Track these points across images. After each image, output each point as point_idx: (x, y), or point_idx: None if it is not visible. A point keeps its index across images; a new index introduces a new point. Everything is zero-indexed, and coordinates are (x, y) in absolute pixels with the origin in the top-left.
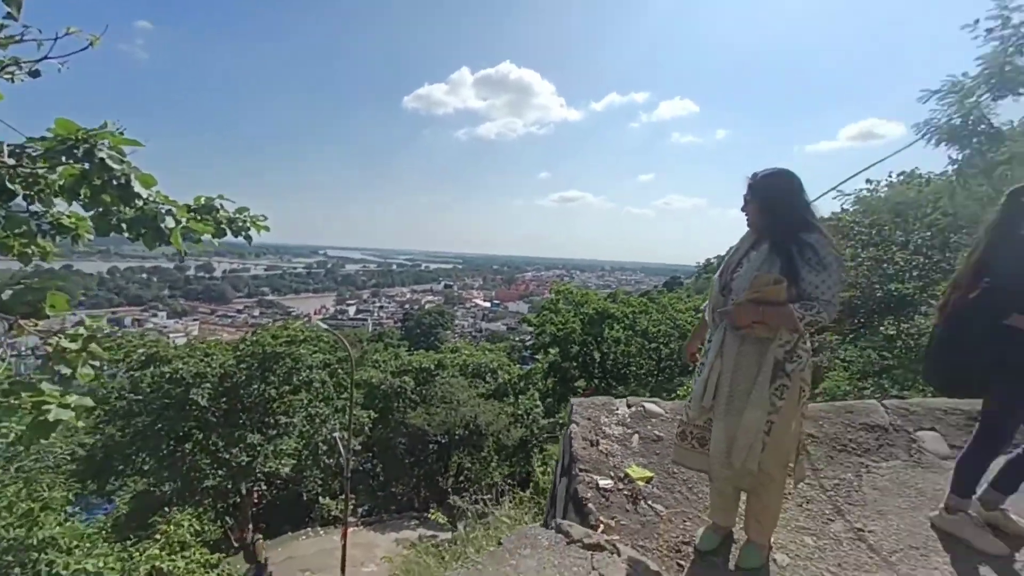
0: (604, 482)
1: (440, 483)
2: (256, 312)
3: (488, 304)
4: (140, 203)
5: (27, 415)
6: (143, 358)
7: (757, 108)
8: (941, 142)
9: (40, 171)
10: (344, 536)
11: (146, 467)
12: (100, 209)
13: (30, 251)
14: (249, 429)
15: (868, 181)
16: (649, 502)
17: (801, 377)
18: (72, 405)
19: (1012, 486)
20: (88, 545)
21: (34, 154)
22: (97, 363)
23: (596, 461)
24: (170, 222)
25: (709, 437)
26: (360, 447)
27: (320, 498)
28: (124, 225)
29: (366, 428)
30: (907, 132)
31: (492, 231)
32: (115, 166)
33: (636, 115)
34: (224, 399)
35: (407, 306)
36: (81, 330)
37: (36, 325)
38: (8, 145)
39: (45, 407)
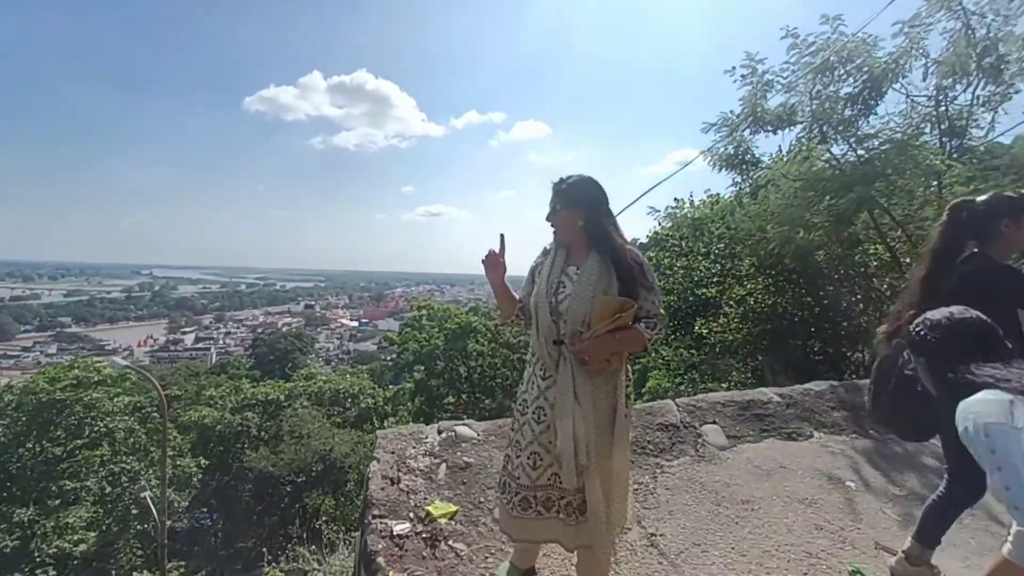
0: (400, 527)
1: (291, 530)
2: (52, 349)
3: (356, 323)
4: None
5: None
6: None
7: (602, 133)
8: (722, 168)
9: None
10: None
11: None
12: None
13: None
14: (18, 503)
15: (676, 200)
16: (450, 542)
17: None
18: None
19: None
20: None
21: None
22: None
23: (394, 503)
24: None
25: (559, 498)
26: (189, 503)
27: (136, 572)
28: None
29: (194, 480)
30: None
31: (357, 246)
32: None
33: (494, 134)
34: None
35: (260, 330)
36: None
37: None
38: None
39: None
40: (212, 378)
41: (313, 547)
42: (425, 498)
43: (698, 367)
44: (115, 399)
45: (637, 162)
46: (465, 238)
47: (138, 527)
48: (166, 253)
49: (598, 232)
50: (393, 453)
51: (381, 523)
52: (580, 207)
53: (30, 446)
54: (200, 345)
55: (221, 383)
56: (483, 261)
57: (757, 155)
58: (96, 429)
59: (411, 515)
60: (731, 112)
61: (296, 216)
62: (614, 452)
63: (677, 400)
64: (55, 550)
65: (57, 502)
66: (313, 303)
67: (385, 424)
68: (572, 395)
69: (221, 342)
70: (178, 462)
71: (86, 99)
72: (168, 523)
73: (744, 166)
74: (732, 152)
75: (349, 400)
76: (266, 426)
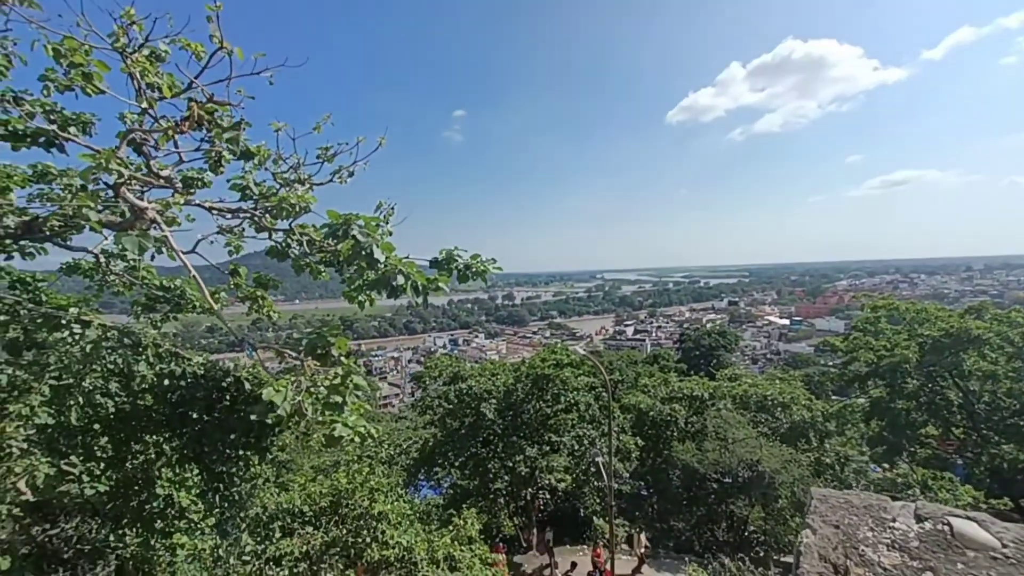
0: None
1: (717, 532)
2: (547, 333)
3: (786, 321)
4: (381, 267)
5: (324, 429)
6: (451, 375)
7: None
8: None
9: (337, 247)
10: (599, 558)
11: (457, 464)
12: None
13: (362, 299)
14: (528, 443)
15: None
16: None
17: None
18: (351, 425)
19: None
20: (407, 523)
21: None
22: (360, 393)
23: None
24: (400, 280)
25: None
26: (628, 474)
27: (596, 518)
28: (367, 284)
29: (633, 455)
30: None
31: (784, 236)
32: (362, 239)
33: (1009, 46)
34: (510, 413)
35: (685, 325)
36: (339, 370)
37: (316, 364)
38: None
39: (333, 425)
40: (646, 367)
41: (741, 555)
42: None
43: None
44: (578, 378)
45: None
46: (953, 208)
47: (594, 483)
48: (611, 260)
49: None
50: (838, 528)
51: None
52: None
53: (533, 403)
54: (637, 336)
55: (653, 373)
56: None
57: None
58: (568, 399)
59: None
60: None
61: (716, 213)
62: None
63: None
64: (548, 481)
65: (548, 448)
66: (737, 299)
67: (825, 444)
68: None
69: (654, 335)
70: (621, 437)
71: (547, 151)
72: (615, 485)
73: None
74: None
75: (779, 409)
76: (691, 420)
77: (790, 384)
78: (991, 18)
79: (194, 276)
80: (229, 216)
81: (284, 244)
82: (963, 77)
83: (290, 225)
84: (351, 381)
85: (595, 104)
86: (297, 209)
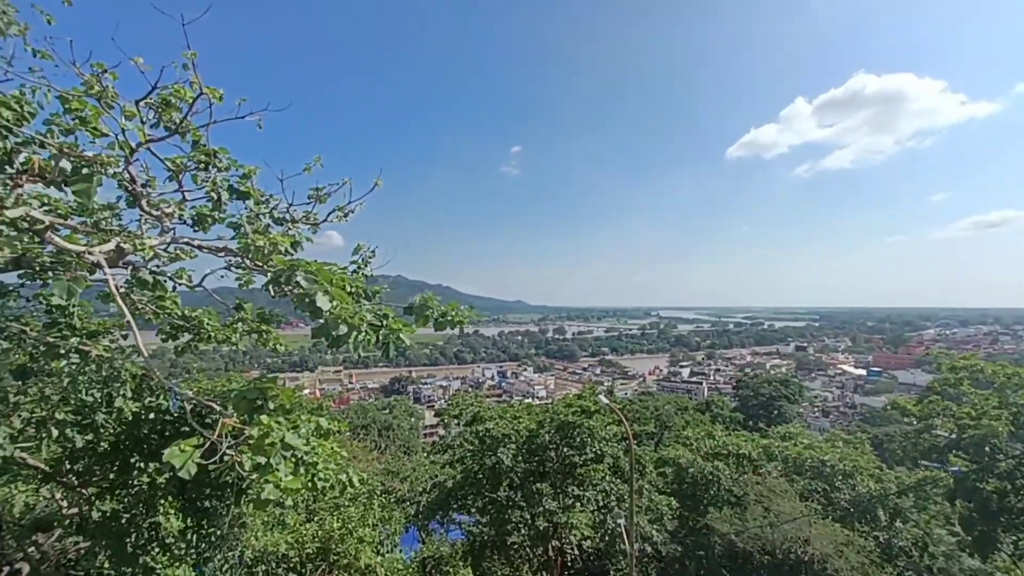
0: None
1: None
2: (598, 370)
3: (862, 371)
4: (326, 315)
5: (255, 489)
6: (471, 416)
7: None
8: None
9: (287, 293)
10: None
11: (472, 509)
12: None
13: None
14: (549, 495)
15: None
16: None
17: None
18: (283, 486)
19: None
20: None
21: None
22: (289, 453)
23: None
24: (342, 329)
25: None
26: (663, 536)
27: None
28: (314, 332)
29: (666, 517)
30: None
31: (858, 279)
32: (305, 285)
33: None
34: (535, 459)
35: (747, 370)
36: (255, 431)
37: (234, 421)
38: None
39: (264, 485)
40: (696, 415)
41: None
42: None
43: None
44: (607, 427)
45: None
46: None
47: (619, 545)
48: (667, 297)
49: None
50: None
51: None
52: None
53: (556, 451)
54: (694, 379)
55: (704, 422)
56: None
57: None
58: (594, 449)
59: None
60: None
61: (781, 252)
62: None
63: None
64: (570, 539)
65: (571, 501)
66: (805, 344)
67: (896, 523)
68: None
69: (711, 378)
70: (653, 496)
71: (600, 184)
72: (648, 548)
73: None
74: None
75: (839, 478)
76: (739, 481)
77: (855, 447)
78: None
79: (129, 321)
80: (222, 255)
81: (283, 280)
82: None
83: (263, 265)
84: (278, 439)
85: (650, 138)
86: (266, 251)
